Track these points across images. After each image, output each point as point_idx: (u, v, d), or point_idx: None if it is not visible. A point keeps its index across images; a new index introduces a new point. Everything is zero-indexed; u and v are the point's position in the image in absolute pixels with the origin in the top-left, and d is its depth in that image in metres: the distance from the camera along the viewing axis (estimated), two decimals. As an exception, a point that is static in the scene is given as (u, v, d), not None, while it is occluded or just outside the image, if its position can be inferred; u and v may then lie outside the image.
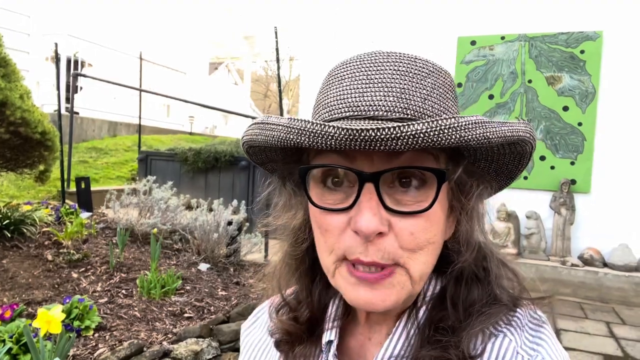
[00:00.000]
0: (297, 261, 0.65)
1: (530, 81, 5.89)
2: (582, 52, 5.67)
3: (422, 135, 0.43)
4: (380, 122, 0.48)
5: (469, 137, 0.45)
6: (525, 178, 5.86)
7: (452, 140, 0.44)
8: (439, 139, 0.44)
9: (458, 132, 0.44)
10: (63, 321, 2.20)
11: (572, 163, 5.69)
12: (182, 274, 3.69)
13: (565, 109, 5.73)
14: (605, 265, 5.33)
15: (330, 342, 0.60)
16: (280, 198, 0.66)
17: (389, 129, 0.43)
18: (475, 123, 0.45)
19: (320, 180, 0.53)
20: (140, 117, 8.59)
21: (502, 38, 6.03)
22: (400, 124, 0.43)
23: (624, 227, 5.44)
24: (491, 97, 6.06)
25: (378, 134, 0.43)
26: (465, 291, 0.56)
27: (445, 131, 0.44)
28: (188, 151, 7.05)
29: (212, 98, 15.35)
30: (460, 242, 0.56)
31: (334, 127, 0.44)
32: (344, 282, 0.53)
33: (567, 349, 3.63)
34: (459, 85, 6.20)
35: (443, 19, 6.30)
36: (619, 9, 5.55)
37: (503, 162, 0.57)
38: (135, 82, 9.35)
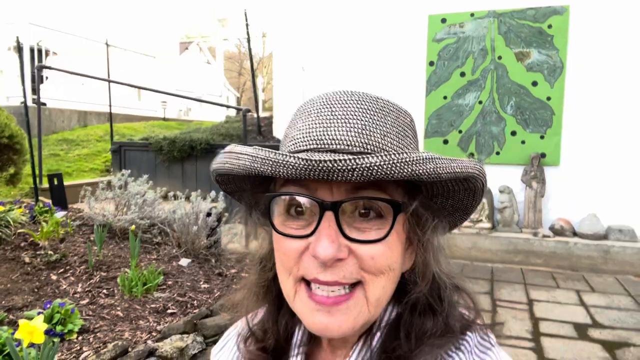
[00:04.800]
0: (264, 289, 0.67)
1: (500, 57, 5.97)
2: (549, 26, 5.75)
3: (376, 167, 0.46)
4: (340, 154, 0.50)
5: (420, 171, 0.48)
6: (498, 153, 6.00)
7: (404, 173, 0.48)
8: (392, 172, 0.47)
9: (410, 166, 0.48)
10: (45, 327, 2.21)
11: (542, 137, 5.83)
12: (164, 269, 3.71)
13: (534, 84, 5.84)
14: (575, 234, 5.55)
15: None
16: (249, 228, 0.68)
17: (345, 160, 0.46)
18: (426, 159, 0.49)
19: (284, 209, 0.56)
20: (110, 106, 8.39)
21: (472, 15, 6.05)
22: (356, 157, 0.46)
23: (592, 198, 5.64)
24: (463, 74, 6.12)
25: (335, 165, 0.46)
26: (419, 321, 0.58)
27: (398, 165, 0.47)
28: (162, 140, 6.95)
29: (184, 79, 15.04)
30: (417, 273, 0.59)
31: (294, 157, 0.47)
32: (303, 307, 0.55)
33: (539, 319, 3.81)
34: (431, 64, 6.23)
35: (413, -3, 6.27)
36: (585, -18, 5.62)
37: (458, 197, 0.60)
38: (103, 68, 9.09)
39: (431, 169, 0.49)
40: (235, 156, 0.54)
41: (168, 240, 4.45)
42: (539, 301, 4.27)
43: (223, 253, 4.45)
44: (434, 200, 0.60)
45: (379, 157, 0.47)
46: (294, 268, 0.55)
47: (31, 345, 2.43)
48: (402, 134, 0.56)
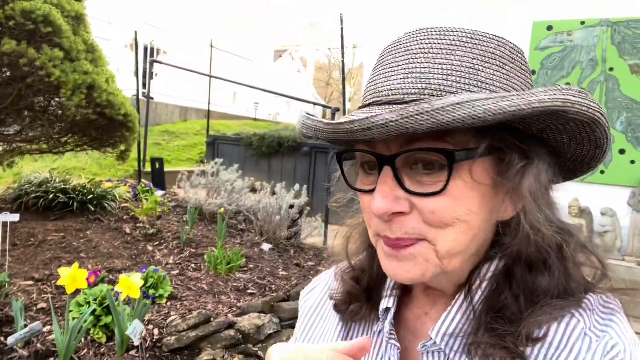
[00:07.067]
0: (363, 232, 0.68)
1: (611, 69, 5.50)
2: (674, 37, 5.20)
3: (391, 123, 0.43)
4: (395, 106, 0.47)
5: (448, 119, 0.42)
6: (602, 172, 5.51)
7: (428, 125, 0.43)
8: (411, 126, 0.43)
9: (433, 116, 0.42)
10: (141, 288, 2.40)
11: (657, 158, 5.26)
12: (246, 253, 3.86)
13: (651, 99, 5.29)
14: (689, 269, 4.92)
15: (387, 310, 0.60)
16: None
17: (359, 121, 0.45)
18: (457, 104, 0.42)
19: (359, 165, 0.56)
20: (209, 103, 8.96)
21: (582, 23, 5.65)
22: (370, 114, 0.44)
23: None
24: (568, 85, 5.71)
25: (352, 126, 0.45)
26: (530, 279, 0.52)
27: (416, 117, 0.43)
28: (253, 136, 7.27)
29: (276, 85, 15.64)
30: (511, 226, 0.52)
31: (324, 122, 0.49)
32: (381, 254, 0.55)
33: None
34: (533, 72, 5.90)
35: (518, 3, 6.00)
36: None
37: (580, 140, 0.51)
38: (204, 68, 9.74)
39: (465, 115, 0.42)
40: (305, 125, 0.56)
41: (252, 228, 4.62)
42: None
43: (302, 246, 4.53)
44: (545, 136, 0.51)
45: (394, 112, 0.43)
46: (371, 222, 0.55)
47: (127, 303, 2.64)
48: (478, 66, 0.49)
